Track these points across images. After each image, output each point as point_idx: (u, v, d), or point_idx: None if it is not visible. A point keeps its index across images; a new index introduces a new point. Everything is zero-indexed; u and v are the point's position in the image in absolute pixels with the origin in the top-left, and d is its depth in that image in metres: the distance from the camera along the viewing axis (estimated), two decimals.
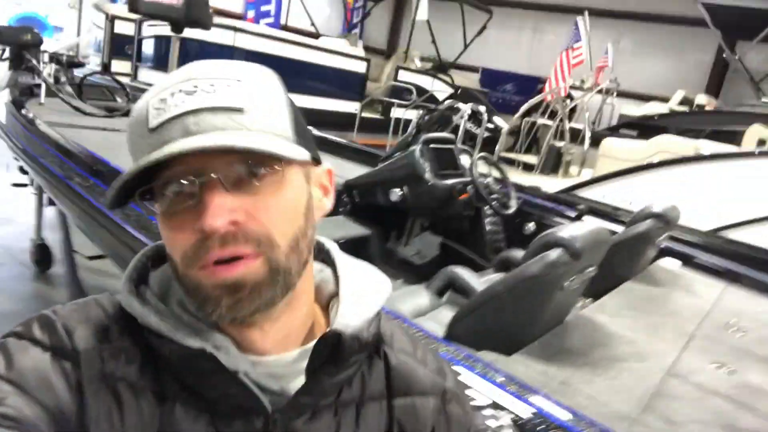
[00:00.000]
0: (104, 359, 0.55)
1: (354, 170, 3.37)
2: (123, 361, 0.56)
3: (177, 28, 3.50)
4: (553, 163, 5.36)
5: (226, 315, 0.53)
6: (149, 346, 0.57)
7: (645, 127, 6.47)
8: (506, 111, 7.75)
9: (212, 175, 0.51)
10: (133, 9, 3.36)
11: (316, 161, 0.61)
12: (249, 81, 0.54)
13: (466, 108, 5.19)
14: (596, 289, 2.31)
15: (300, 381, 0.59)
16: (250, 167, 0.52)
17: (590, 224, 1.75)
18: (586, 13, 5.37)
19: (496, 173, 3.22)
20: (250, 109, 0.53)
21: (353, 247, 3.12)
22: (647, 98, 9.15)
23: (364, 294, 0.63)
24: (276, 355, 0.59)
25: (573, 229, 1.63)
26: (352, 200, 3.27)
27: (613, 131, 7.50)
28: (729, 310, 2.27)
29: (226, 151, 0.50)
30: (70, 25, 7.94)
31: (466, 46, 8.73)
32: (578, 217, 3.18)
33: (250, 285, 0.53)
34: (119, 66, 6.61)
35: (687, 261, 2.85)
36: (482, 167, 3.27)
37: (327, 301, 0.66)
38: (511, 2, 11.84)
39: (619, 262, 2.42)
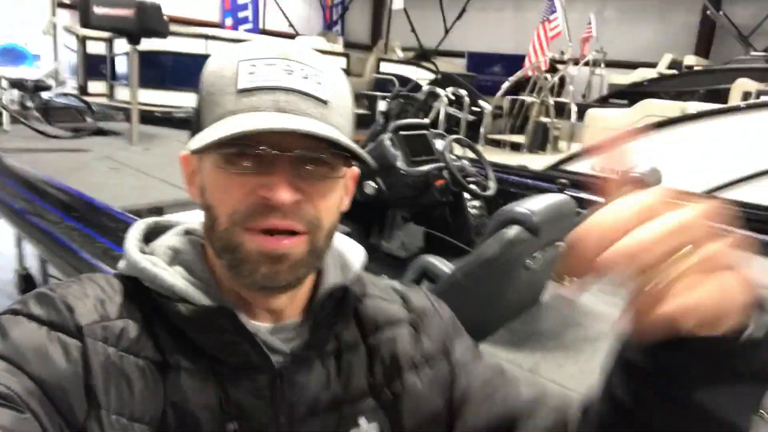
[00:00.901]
0: (107, 333, 0.56)
1: None
2: (125, 334, 0.57)
3: (132, 39, 3.41)
4: (541, 141, 5.22)
5: (261, 282, 0.57)
6: (147, 317, 0.59)
7: (635, 95, 6.29)
8: (496, 93, 7.61)
9: (287, 152, 0.54)
10: (85, 24, 3.27)
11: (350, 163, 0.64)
12: (335, 79, 0.58)
13: (444, 93, 5.07)
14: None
15: (299, 337, 0.63)
16: (321, 156, 0.56)
17: (551, 197, 1.63)
18: None
19: (472, 155, 3.11)
20: (332, 105, 0.57)
21: None
22: (636, 66, 8.97)
23: (346, 258, 0.68)
24: (284, 321, 0.63)
25: (530, 203, 1.52)
26: None
27: (603, 102, 7.34)
28: None
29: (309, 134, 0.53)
30: (47, 51, 7.89)
31: (446, 32, 8.61)
32: (559, 192, 3.06)
33: (292, 260, 0.57)
34: (96, 87, 6.54)
35: None
36: (458, 151, 3.16)
37: None
38: None
39: None
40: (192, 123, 0.61)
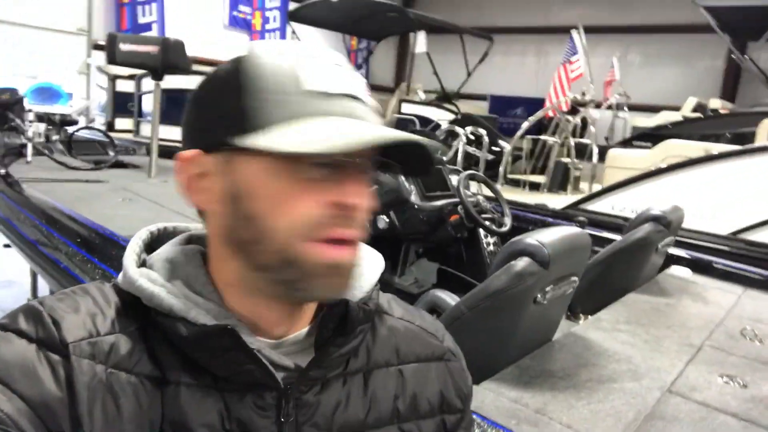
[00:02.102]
0: (95, 350, 0.53)
1: None
2: (115, 350, 0.54)
3: (156, 75, 3.49)
4: (561, 181, 5.15)
5: (322, 295, 0.56)
6: (144, 331, 0.56)
7: (659, 138, 6.21)
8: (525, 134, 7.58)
9: (357, 159, 0.53)
10: (111, 60, 3.37)
11: None
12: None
13: (463, 132, 5.07)
14: (595, 304, 2.12)
15: (309, 355, 0.60)
16: (375, 162, 0.56)
17: (565, 230, 1.57)
18: (580, 25, 5.24)
19: (488, 192, 3.06)
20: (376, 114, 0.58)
21: None
22: (659, 109, 8.90)
23: (361, 268, 0.63)
24: (292, 334, 0.61)
25: (541, 235, 1.46)
26: None
27: (626, 144, 7.26)
28: (746, 317, 2.04)
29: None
30: (80, 90, 8.15)
31: (469, 75, 8.64)
32: None
33: (350, 269, 0.56)
34: (123, 123, 6.70)
35: (701, 268, 2.63)
36: (474, 188, 3.12)
37: None
38: (512, 28, 11.81)
39: (619, 273, 2.23)
40: (230, 118, 0.54)
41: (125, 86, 6.63)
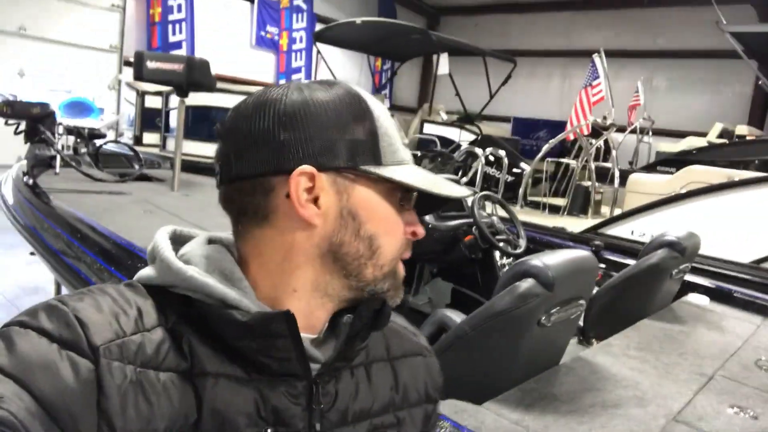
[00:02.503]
0: (123, 351, 0.54)
1: None
2: (142, 348, 0.55)
3: (181, 92, 3.58)
4: (582, 204, 5.11)
5: (393, 299, 0.67)
6: (171, 326, 0.58)
7: (683, 163, 6.13)
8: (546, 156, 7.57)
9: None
10: (138, 77, 3.46)
11: None
12: None
13: (483, 153, 5.08)
14: (607, 330, 2.09)
15: (329, 347, 0.66)
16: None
17: (571, 252, 1.57)
18: (602, 50, 5.24)
19: (502, 212, 3.06)
20: None
21: None
22: (685, 135, 8.80)
23: None
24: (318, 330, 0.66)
25: (546, 257, 1.46)
26: None
27: (650, 169, 7.18)
28: (763, 347, 1.99)
29: None
30: (111, 104, 8.38)
31: (491, 97, 8.67)
32: (595, 254, 2.95)
33: None
34: (151, 138, 6.86)
35: (720, 296, 2.58)
36: (497, 209, 3.11)
37: None
38: (537, 51, 11.86)
39: (632, 299, 2.20)
40: (360, 143, 0.63)
41: (153, 102, 6.81)
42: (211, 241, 0.68)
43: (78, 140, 4.22)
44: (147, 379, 0.54)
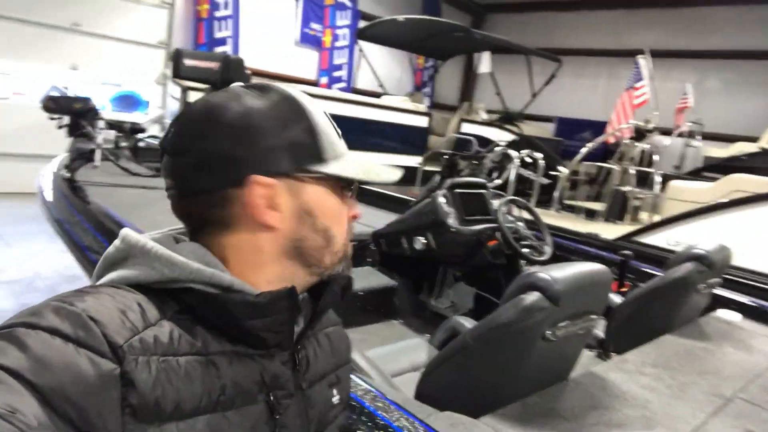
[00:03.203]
0: (143, 345, 0.56)
1: (387, 219, 3.27)
2: (158, 340, 0.58)
3: (216, 89, 3.64)
4: (620, 210, 4.97)
5: (347, 271, 0.79)
6: (174, 318, 0.62)
7: (732, 169, 5.89)
8: (586, 159, 7.41)
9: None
10: (176, 74, 3.56)
11: None
12: None
13: (518, 155, 4.99)
14: (629, 343, 2.03)
15: (303, 320, 0.78)
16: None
17: (583, 265, 1.53)
18: (647, 51, 5.07)
19: (529, 217, 3.00)
20: None
21: (379, 298, 2.98)
22: (735, 139, 8.42)
23: None
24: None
25: (555, 270, 1.42)
26: (380, 250, 3.16)
27: (696, 175, 6.93)
28: None
29: None
30: (157, 99, 8.62)
31: (533, 96, 8.52)
32: (623, 263, 2.87)
33: None
34: None
35: (755, 313, 2.47)
36: (515, 212, 3.06)
37: None
38: (583, 50, 11.56)
39: (656, 312, 2.13)
40: (302, 145, 0.70)
41: (197, 98, 6.97)
42: (177, 240, 0.72)
43: (119, 134, 4.36)
44: (170, 366, 0.58)
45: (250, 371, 0.66)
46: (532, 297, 1.38)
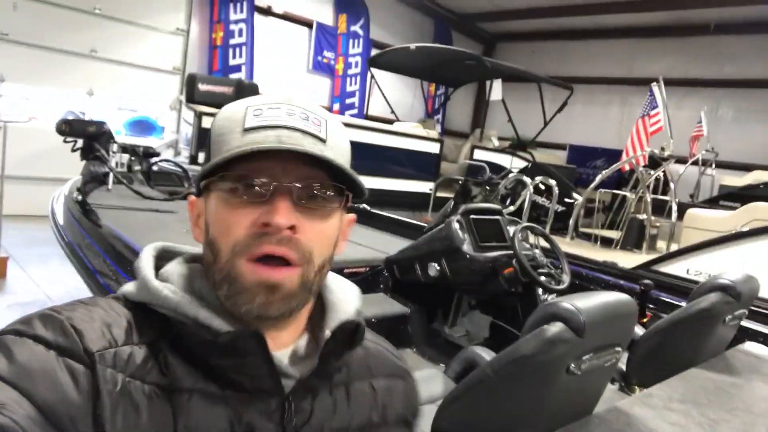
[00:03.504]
0: (116, 359, 0.56)
1: (399, 245, 3.22)
2: (132, 360, 0.57)
3: None
4: (636, 238, 4.88)
5: (256, 311, 0.61)
6: (153, 342, 0.60)
7: (748, 198, 5.80)
8: (600, 186, 7.33)
9: (286, 183, 0.60)
10: (190, 99, 3.58)
11: (347, 209, 0.70)
12: (332, 123, 0.66)
13: (531, 182, 4.95)
14: (652, 377, 1.95)
15: (305, 366, 0.67)
16: (316, 188, 0.62)
17: (608, 295, 1.46)
18: (661, 78, 5.04)
19: (546, 245, 2.94)
20: (329, 144, 0.63)
21: (391, 326, 2.92)
22: (751, 168, 8.33)
23: (346, 294, 0.74)
24: (284, 349, 0.67)
25: (579, 300, 1.36)
26: (393, 277, 3.11)
27: (712, 203, 6.83)
28: None
29: (306, 163, 0.61)
30: (171, 124, 8.71)
31: (546, 124, 8.51)
32: (643, 293, 2.80)
33: (285, 291, 0.61)
34: None
35: None
36: (531, 239, 3.01)
37: None
38: (595, 78, 11.59)
39: (680, 345, 2.05)
40: (206, 161, 0.65)
41: (210, 123, 7.03)
42: (193, 260, 0.70)
43: (132, 158, 4.38)
44: (134, 389, 0.56)
45: (216, 416, 0.59)
46: (555, 328, 1.32)
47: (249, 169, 0.60)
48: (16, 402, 0.49)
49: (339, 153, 0.64)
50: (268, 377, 0.62)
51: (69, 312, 0.58)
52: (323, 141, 0.62)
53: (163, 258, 0.71)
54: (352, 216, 0.73)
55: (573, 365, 1.35)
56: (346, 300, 0.73)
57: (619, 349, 1.49)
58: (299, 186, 0.61)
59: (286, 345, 0.67)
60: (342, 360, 0.70)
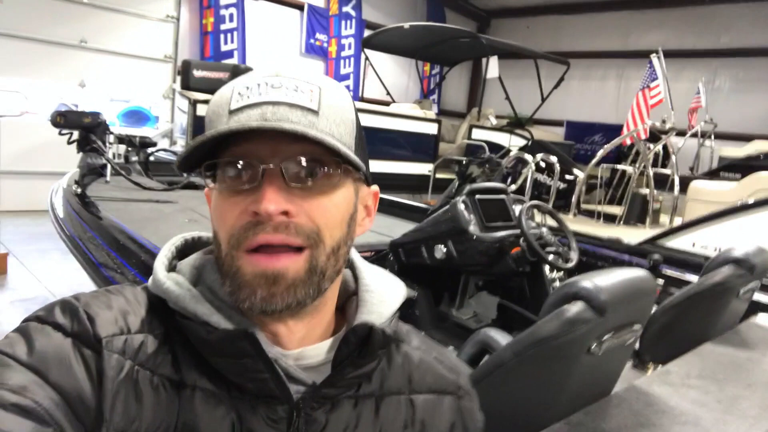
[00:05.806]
0: (125, 346, 0.55)
1: (403, 228, 3.19)
2: (144, 348, 0.56)
3: None
4: (639, 213, 4.86)
5: (259, 305, 0.56)
6: (168, 334, 0.58)
7: (749, 169, 5.77)
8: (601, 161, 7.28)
9: (275, 164, 0.55)
10: (185, 86, 3.52)
11: (367, 181, 0.64)
12: (327, 91, 0.59)
13: (533, 159, 4.91)
14: (665, 353, 1.94)
15: (324, 373, 0.61)
16: (310, 165, 0.56)
17: (627, 272, 1.44)
18: (660, 50, 4.98)
19: (552, 222, 2.91)
20: (323, 114, 0.57)
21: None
22: (750, 138, 8.29)
23: (383, 294, 0.67)
24: (299, 349, 0.62)
25: (599, 278, 1.33)
26: (398, 260, 3.08)
27: (713, 175, 6.81)
28: None
29: (297, 139, 0.54)
30: (165, 113, 8.61)
31: (543, 100, 8.44)
32: (652, 269, 2.78)
33: (289, 280, 0.56)
34: None
35: None
36: (538, 217, 2.98)
37: (343, 301, 0.70)
38: (591, 52, 11.48)
39: (694, 320, 2.03)
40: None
41: (205, 110, 6.95)
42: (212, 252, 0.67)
43: (129, 149, 4.32)
44: (142, 378, 0.55)
45: (217, 417, 0.56)
46: (576, 307, 1.29)
47: (237, 154, 0.56)
48: (37, 384, 0.50)
49: (335, 122, 0.58)
50: (272, 381, 0.57)
51: (88, 299, 0.58)
52: (314, 112, 0.56)
53: (194, 248, 0.68)
54: (374, 188, 0.66)
55: (594, 345, 1.33)
56: (384, 301, 0.66)
57: (638, 326, 1.47)
58: (288, 166, 0.55)
59: (301, 345, 0.62)
60: (365, 369, 0.62)
